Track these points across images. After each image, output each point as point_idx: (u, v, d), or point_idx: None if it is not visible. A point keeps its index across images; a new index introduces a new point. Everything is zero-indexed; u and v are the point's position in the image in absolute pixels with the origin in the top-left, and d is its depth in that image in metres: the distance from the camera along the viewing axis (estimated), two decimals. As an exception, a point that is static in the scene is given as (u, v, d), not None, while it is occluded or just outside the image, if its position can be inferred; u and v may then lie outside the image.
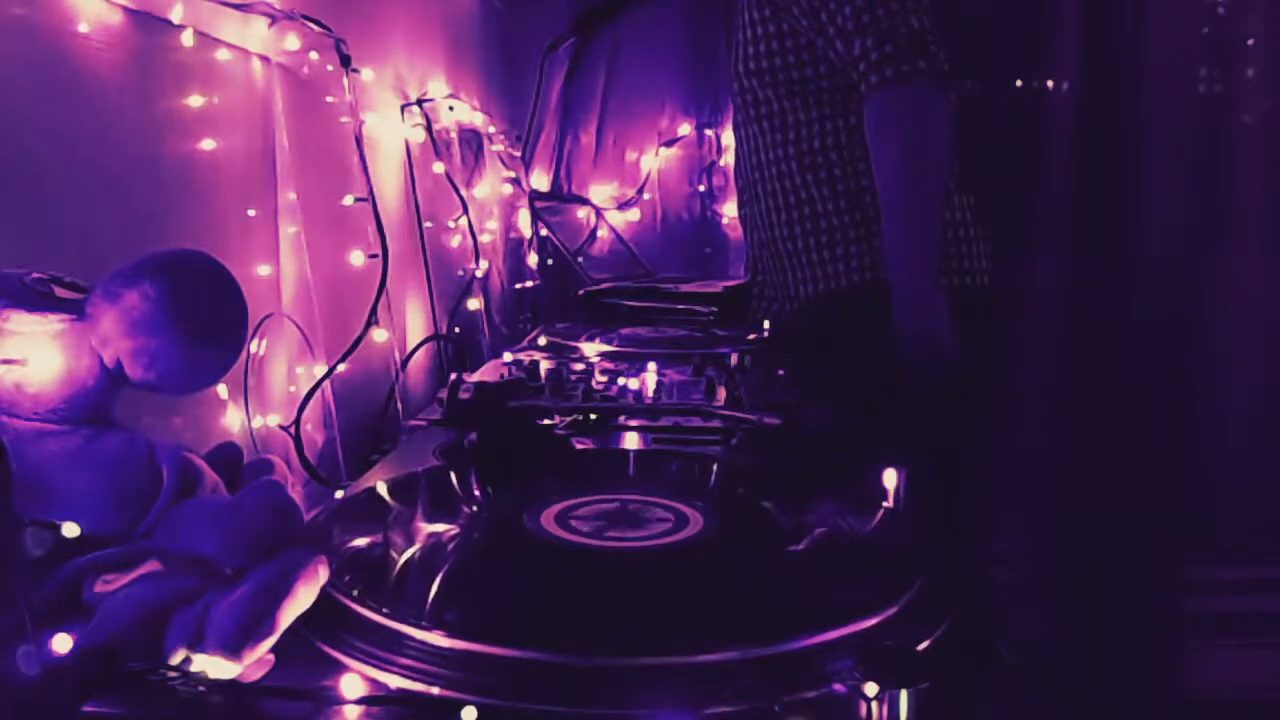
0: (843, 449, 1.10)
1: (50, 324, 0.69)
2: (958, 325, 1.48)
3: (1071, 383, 2.32)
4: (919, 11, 1.45)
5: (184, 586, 0.62)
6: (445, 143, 1.86)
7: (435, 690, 0.58)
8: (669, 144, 2.77)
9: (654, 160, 2.77)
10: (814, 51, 1.53)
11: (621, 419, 1.23)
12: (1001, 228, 1.65)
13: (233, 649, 0.57)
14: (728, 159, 2.75)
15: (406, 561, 0.74)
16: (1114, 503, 2.28)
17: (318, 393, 1.18)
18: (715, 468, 1.06)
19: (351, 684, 0.58)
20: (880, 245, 1.52)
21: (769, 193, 1.63)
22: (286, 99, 1.18)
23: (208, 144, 1.03)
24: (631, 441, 1.18)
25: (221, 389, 1.03)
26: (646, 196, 2.78)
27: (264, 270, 1.14)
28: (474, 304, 1.96)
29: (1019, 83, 2.40)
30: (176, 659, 0.58)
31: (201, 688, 0.57)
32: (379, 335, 1.30)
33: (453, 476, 0.98)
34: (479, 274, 1.97)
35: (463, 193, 1.91)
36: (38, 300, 0.69)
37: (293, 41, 1.19)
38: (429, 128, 1.74)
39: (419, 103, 1.71)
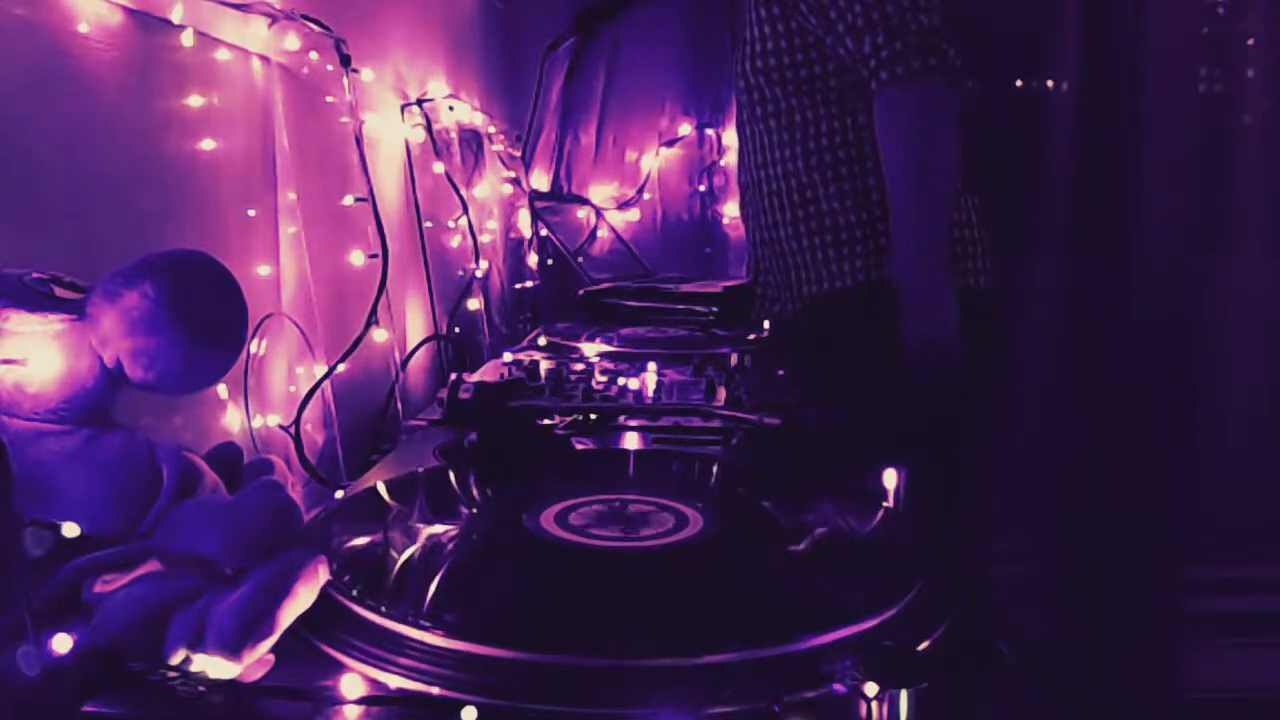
0: (843, 449, 1.10)
1: (50, 324, 0.69)
2: (961, 326, 1.48)
3: (1071, 383, 2.32)
4: (929, 9, 1.45)
5: (184, 586, 0.62)
6: (445, 143, 1.86)
7: (435, 690, 0.58)
8: (669, 144, 2.77)
9: (654, 160, 2.77)
10: (822, 49, 1.53)
11: (621, 419, 1.23)
12: (1001, 228, 1.65)
13: (233, 649, 0.57)
14: (728, 159, 2.75)
15: (406, 562, 0.74)
16: (1114, 502, 2.28)
17: (318, 393, 1.18)
18: (715, 468, 1.06)
19: (351, 684, 0.58)
20: (886, 244, 1.52)
21: (774, 191, 1.63)
22: (286, 99, 1.18)
23: (208, 144, 1.03)
24: (631, 441, 1.18)
25: (221, 389, 1.03)
26: (646, 196, 2.78)
27: (264, 270, 1.14)
28: (474, 304, 1.96)
29: (1019, 83, 2.40)
30: (176, 659, 0.58)
31: (201, 688, 0.57)
32: (379, 335, 1.30)
33: (452, 476, 0.98)
34: (479, 274, 1.97)
35: (463, 193, 1.91)
36: (38, 300, 0.69)
37: (293, 41, 1.19)
38: (429, 128, 1.74)
39: (419, 103, 1.71)
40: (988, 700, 0.62)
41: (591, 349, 1.66)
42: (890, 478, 0.87)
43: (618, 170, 2.78)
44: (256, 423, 1.08)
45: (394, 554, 0.76)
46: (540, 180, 2.74)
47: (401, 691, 0.58)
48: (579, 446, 1.12)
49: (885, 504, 0.87)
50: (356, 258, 1.31)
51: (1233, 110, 2.38)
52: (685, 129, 2.77)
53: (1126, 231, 2.29)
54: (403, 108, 1.66)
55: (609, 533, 0.79)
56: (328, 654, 0.62)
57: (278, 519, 0.67)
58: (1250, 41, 2.35)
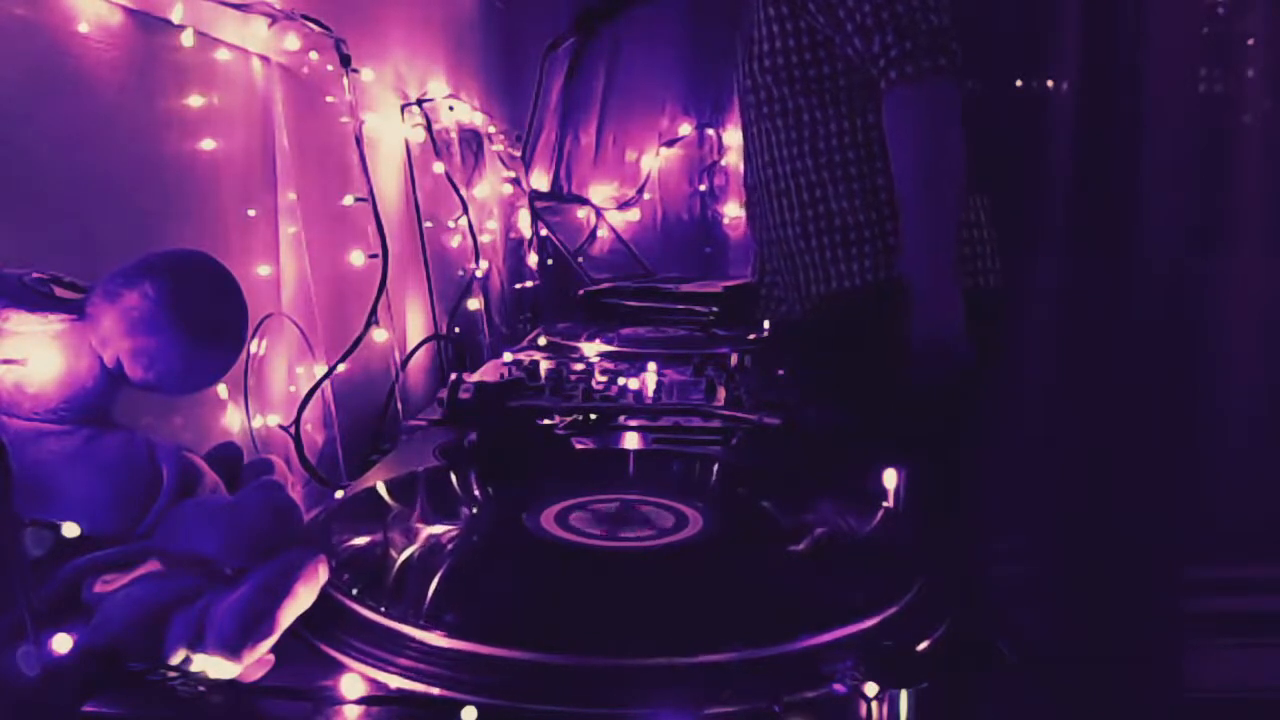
0: (843, 449, 1.10)
1: (50, 324, 0.69)
2: (969, 326, 1.48)
3: (1072, 383, 2.32)
4: (939, 9, 1.45)
5: (184, 586, 0.62)
6: (445, 143, 1.86)
7: (435, 690, 0.58)
8: (669, 144, 2.77)
9: (654, 160, 2.77)
10: (830, 49, 1.53)
11: (621, 419, 1.23)
12: (1002, 228, 1.65)
13: (233, 649, 0.57)
14: (728, 159, 2.75)
15: (406, 561, 0.74)
16: (1114, 502, 2.28)
17: (318, 393, 1.18)
18: (715, 468, 1.06)
19: (351, 684, 0.58)
20: (895, 244, 1.52)
21: (782, 191, 1.62)
22: (286, 99, 1.18)
23: (208, 144, 1.03)
24: (631, 441, 1.18)
25: (221, 389, 1.03)
26: (646, 196, 2.78)
27: (264, 270, 1.14)
28: (474, 304, 1.96)
29: (1019, 83, 2.40)
30: (176, 659, 0.58)
31: (201, 688, 0.57)
32: (379, 335, 1.30)
33: (452, 476, 0.98)
34: (479, 274, 1.97)
35: (463, 193, 1.91)
36: (38, 300, 0.69)
37: (293, 41, 1.19)
38: (429, 128, 1.74)
39: (419, 103, 1.71)
40: (988, 700, 0.62)
41: (591, 349, 1.66)
42: (890, 478, 0.87)
43: (618, 170, 2.78)
44: (256, 423, 1.08)
45: (394, 554, 0.76)
46: (540, 180, 2.74)
47: (401, 691, 0.58)
48: (579, 446, 1.13)
49: (885, 504, 0.87)
50: (356, 258, 1.31)
51: (1233, 110, 2.38)
52: (685, 129, 2.77)
53: (1126, 231, 2.29)
54: (403, 108, 1.66)
55: (609, 532, 0.79)
56: (328, 654, 0.62)
57: (278, 519, 0.67)
58: (1250, 41, 2.35)
